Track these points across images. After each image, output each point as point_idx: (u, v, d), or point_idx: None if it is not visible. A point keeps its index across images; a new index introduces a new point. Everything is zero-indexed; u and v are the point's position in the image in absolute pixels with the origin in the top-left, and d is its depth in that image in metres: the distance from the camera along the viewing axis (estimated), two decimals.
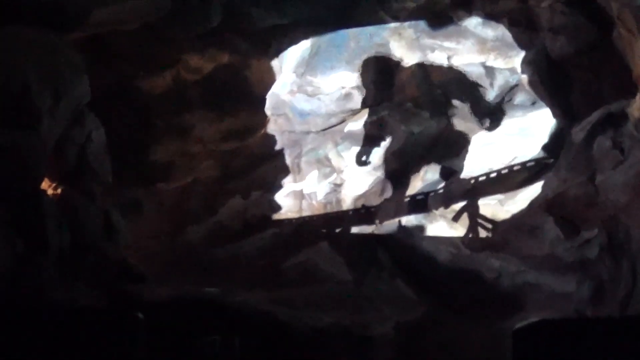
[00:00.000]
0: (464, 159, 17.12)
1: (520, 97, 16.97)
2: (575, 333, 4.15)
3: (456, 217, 16.29)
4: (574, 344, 4.11)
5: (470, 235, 15.74)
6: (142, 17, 12.26)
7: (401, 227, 16.36)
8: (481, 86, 17.29)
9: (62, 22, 10.23)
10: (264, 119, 17.28)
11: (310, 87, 17.99)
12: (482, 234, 15.76)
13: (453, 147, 17.43)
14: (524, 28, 15.08)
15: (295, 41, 16.87)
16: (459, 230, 16.07)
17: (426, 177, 17.48)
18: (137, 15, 12.08)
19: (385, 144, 17.87)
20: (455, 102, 17.61)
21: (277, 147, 18.05)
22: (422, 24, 17.04)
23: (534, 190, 15.00)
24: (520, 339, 4.21)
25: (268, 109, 17.39)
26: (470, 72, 17.23)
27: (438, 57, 17.28)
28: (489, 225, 15.69)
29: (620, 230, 10.97)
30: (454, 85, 17.53)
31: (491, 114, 17.28)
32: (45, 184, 10.48)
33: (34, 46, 9.76)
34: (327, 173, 18.48)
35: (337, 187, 18.39)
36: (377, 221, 17.03)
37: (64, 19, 10.26)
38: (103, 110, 11.86)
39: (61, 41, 10.40)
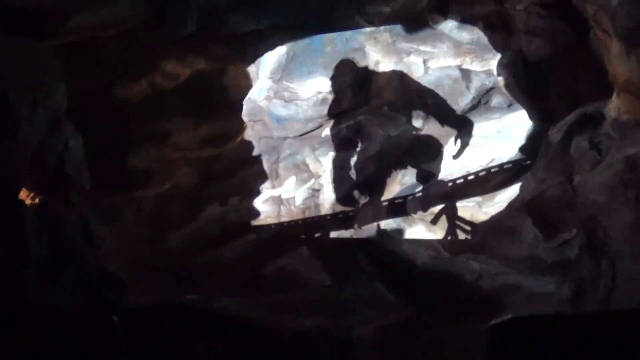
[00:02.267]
0: (441, 162, 17.19)
1: (496, 100, 17.05)
2: (553, 329, 4.16)
3: (435, 220, 16.35)
4: (551, 340, 4.12)
5: (449, 238, 15.80)
6: (121, 23, 12.23)
7: (380, 231, 16.41)
8: (457, 89, 17.36)
9: (40, 29, 10.18)
10: (241, 125, 17.29)
11: (287, 92, 17.99)
12: (461, 236, 15.82)
13: (430, 150, 17.49)
14: (499, 31, 15.17)
15: (271, 47, 16.88)
16: (437, 233, 16.13)
17: (404, 181, 17.51)
18: (115, 22, 12.04)
19: (362, 147, 17.88)
20: (432, 105, 17.66)
21: (255, 153, 18.05)
22: (398, 28, 17.11)
23: (512, 191, 15.08)
24: (496, 336, 4.22)
25: (245, 115, 17.40)
26: (446, 75, 17.30)
27: (414, 61, 17.35)
28: (468, 228, 15.76)
29: (599, 230, 11.03)
30: (430, 89, 17.59)
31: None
32: (24, 193, 10.41)
33: (11, 53, 9.69)
34: (305, 178, 18.47)
35: (315, 192, 18.39)
36: (355, 226, 17.05)
37: (42, 26, 10.20)
38: (81, 117, 11.80)
39: (39, 48, 10.35)
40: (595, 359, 4.03)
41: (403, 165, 17.61)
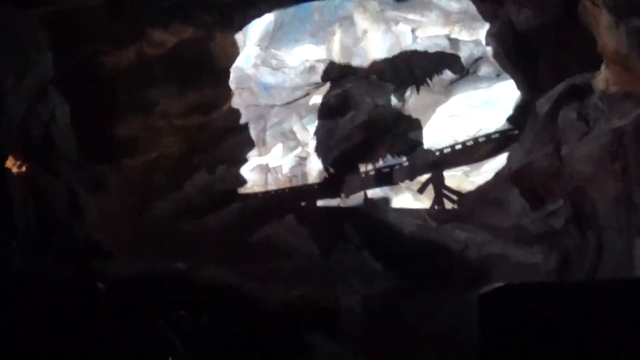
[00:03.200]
0: (428, 130, 17.19)
1: (484, 69, 17.04)
2: (541, 297, 4.17)
3: (422, 189, 16.35)
4: (539, 308, 4.13)
5: (436, 207, 15.81)
6: None
7: (367, 200, 16.40)
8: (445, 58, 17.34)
9: None
10: (228, 93, 17.21)
11: (275, 60, 17.95)
12: (448, 205, 15.84)
13: (418, 119, 17.47)
14: (488, 1, 15.10)
15: (259, 14, 16.77)
16: (424, 202, 16.13)
17: (391, 149, 17.50)
18: None
19: (350, 116, 17.84)
20: (420, 74, 17.62)
21: (242, 121, 17.98)
22: None
23: (499, 161, 15.08)
24: (485, 304, 4.22)
25: (232, 83, 17.32)
26: (434, 44, 17.26)
27: (402, 30, 17.29)
28: (455, 197, 15.77)
29: (585, 201, 11.07)
30: (418, 58, 17.54)
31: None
32: (10, 162, 10.36)
33: None
34: (292, 146, 18.46)
35: (302, 160, 18.38)
36: (342, 194, 17.04)
37: None
38: (67, 86, 11.74)
39: (24, 17, 10.26)
40: (583, 327, 4.05)
41: (391, 134, 17.57)
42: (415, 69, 17.57)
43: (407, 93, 17.68)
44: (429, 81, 17.51)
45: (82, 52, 13.80)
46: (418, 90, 17.62)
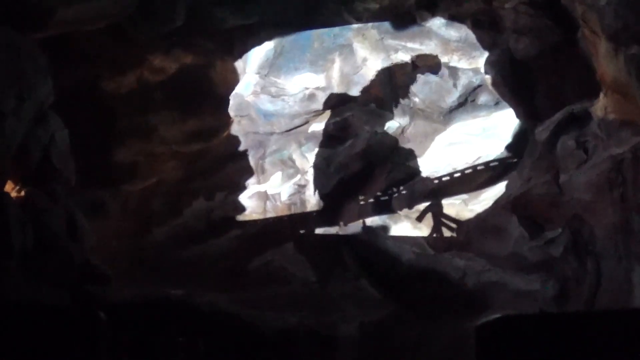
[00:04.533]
0: (427, 159, 17.21)
1: (483, 98, 17.09)
2: (539, 329, 4.16)
3: (420, 217, 16.35)
4: (538, 339, 4.11)
5: (434, 235, 15.81)
6: (107, 17, 12.19)
7: (365, 228, 16.38)
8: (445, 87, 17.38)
9: (26, 22, 10.14)
10: (227, 120, 17.24)
11: (274, 87, 17.97)
12: (447, 233, 15.84)
13: (417, 147, 17.50)
14: (487, 29, 15.17)
15: (259, 42, 16.85)
16: (423, 230, 16.14)
17: (390, 178, 17.50)
18: (102, 15, 12.00)
19: (349, 144, 17.84)
20: (419, 102, 17.66)
21: (241, 148, 18.00)
22: (386, 24, 17.11)
23: (498, 189, 15.12)
24: (483, 335, 4.21)
25: (232, 110, 17.35)
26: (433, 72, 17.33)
27: (402, 58, 17.34)
28: (453, 225, 15.77)
29: (584, 229, 11.07)
30: (417, 86, 17.59)
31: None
32: (9, 186, 10.37)
33: None
34: (291, 174, 18.44)
35: (301, 188, 18.36)
36: (341, 222, 17.03)
37: (28, 19, 10.17)
38: (67, 111, 11.77)
39: (25, 41, 10.30)
40: (580, 358, 4.03)
41: (390, 162, 17.59)
42: (414, 97, 17.61)
43: (406, 121, 17.72)
44: (427, 109, 17.55)
45: (82, 77, 13.84)
46: (417, 118, 17.66)
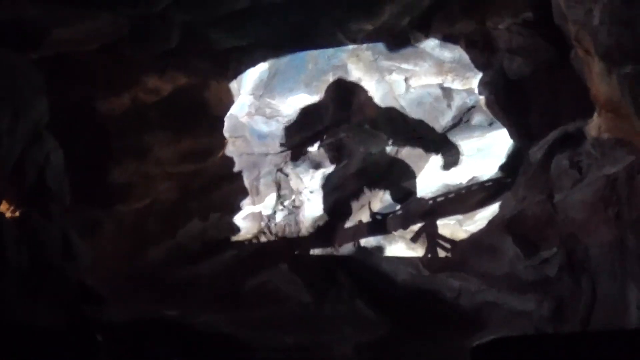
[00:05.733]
0: (422, 179, 17.22)
1: (477, 118, 17.09)
2: (534, 350, 4.15)
3: (415, 238, 16.34)
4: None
5: (429, 256, 15.79)
6: (102, 37, 12.23)
7: (360, 249, 16.38)
8: (439, 107, 17.40)
9: (21, 41, 10.17)
10: (222, 141, 17.24)
11: (269, 109, 17.96)
12: (441, 254, 15.82)
13: (411, 167, 17.51)
14: (481, 49, 15.22)
15: (253, 63, 16.87)
16: (418, 250, 16.12)
17: (384, 199, 17.51)
18: (97, 36, 12.05)
19: (343, 165, 17.85)
20: (413, 123, 17.68)
21: (236, 169, 17.98)
22: (380, 46, 17.13)
23: (493, 209, 15.12)
24: (478, 357, 4.20)
25: (226, 131, 17.35)
26: (427, 93, 17.34)
27: (396, 79, 17.37)
28: (448, 245, 15.76)
29: (579, 249, 11.09)
30: (411, 106, 17.61)
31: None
32: (4, 206, 10.36)
33: None
34: (286, 195, 18.43)
35: (295, 209, 18.34)
36: (336, 243, 17.02)
37: (24, 38, 10.20)
38: (62, 130, 11.78)
39: (21, 60, 10.33)
40: None
41: (384, 183, 17.60)
42: (408, 117, 17.63)
43: (400, 142, 17.73)
44: (422, 130, 17.57)
45: (77, 97, 13.86)
46: (411, 138, 17.68)
